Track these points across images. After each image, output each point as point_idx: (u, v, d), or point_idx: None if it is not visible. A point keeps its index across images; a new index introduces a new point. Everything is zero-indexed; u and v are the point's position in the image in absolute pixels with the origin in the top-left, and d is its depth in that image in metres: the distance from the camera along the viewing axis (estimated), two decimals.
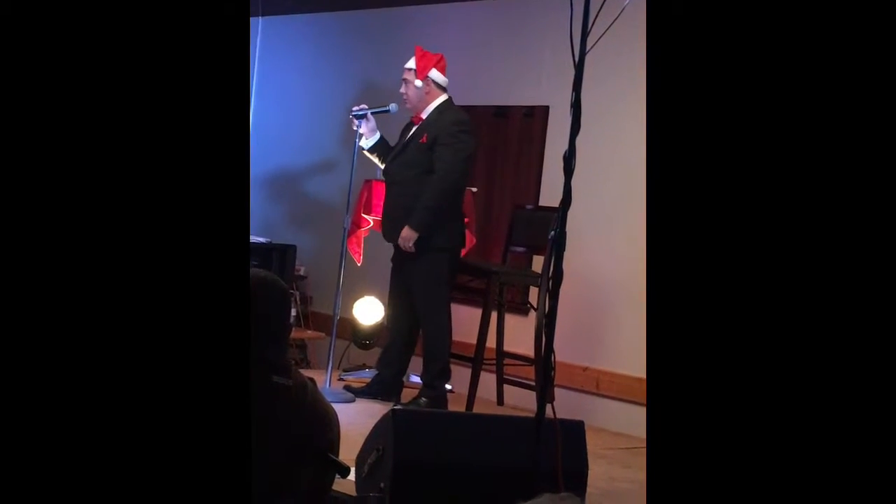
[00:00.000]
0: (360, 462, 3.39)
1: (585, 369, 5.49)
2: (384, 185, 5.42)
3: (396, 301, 5.16)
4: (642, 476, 3.67)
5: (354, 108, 5.19)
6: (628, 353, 5.24)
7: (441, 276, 4.98)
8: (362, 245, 5.54)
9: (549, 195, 5.59)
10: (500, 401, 5.47)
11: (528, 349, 5.11)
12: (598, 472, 3.95)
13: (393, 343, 5.18)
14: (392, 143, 5.22)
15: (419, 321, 5.03)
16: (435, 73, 5.05)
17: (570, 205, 2.99)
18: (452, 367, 5.07)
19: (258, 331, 2.37)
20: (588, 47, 2.96)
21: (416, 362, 5.19)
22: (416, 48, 5.13)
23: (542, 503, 1.53)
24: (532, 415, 3.09)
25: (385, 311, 5.28)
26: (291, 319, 2.82)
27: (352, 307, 6.08)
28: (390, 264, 5.23)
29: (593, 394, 5.46)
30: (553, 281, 2.96)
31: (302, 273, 6.79)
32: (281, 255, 6.20)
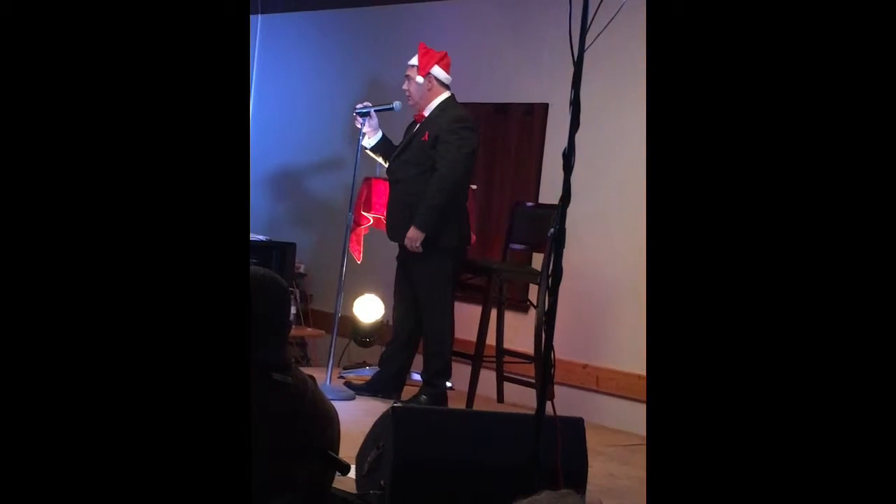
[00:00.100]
0: (360, 459, 3.40)
1: (585, 366, 5.49)
2: (384, 182, 5.42)
3: (401, 299, 5.16)
4: (642, 473, 3.67)
5: (358, 106, 5.18)
6: (628, 350, 5.24)
7: (445, 274, 4.98)
8: (362, 243, 5.54)
9: (549, 192, 5.59)
10: (500, 398, 5.48)
11: (527, 346, 5.12)
12: (598, 469, 3.95)
13: (396, 340, 5.18)
14: (396, 142, 5.21)
15: (422, 319, 5.03)
16: (437, 70, 5.04)
17: (569, 202, 2.99)
18: (453, 364, 5.07)
19: (258, 329, 2.37)
20: (587, 44, 2.96)
21: (417, 360, 5.19)
22: (420, 45, 5.13)
23: (541, 500, 1.52)
24: (532, 412, 3.10)
25: (392, 309, 5.27)
26: (291, 317, 2.82)
27: (352, 305, 6.08)
28: (390, 262, 5.23)
29: (593, 391, 5.46)
30: (553, 278, 2.96)
31: (302, 271, 6.79)
32: (281, 253, 6.20)
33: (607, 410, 5.33)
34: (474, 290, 5.26)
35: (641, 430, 4.79)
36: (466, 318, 5.33)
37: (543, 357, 3.00)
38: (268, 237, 6.40)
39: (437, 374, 4.98)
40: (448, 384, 5.10)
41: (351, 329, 6.09)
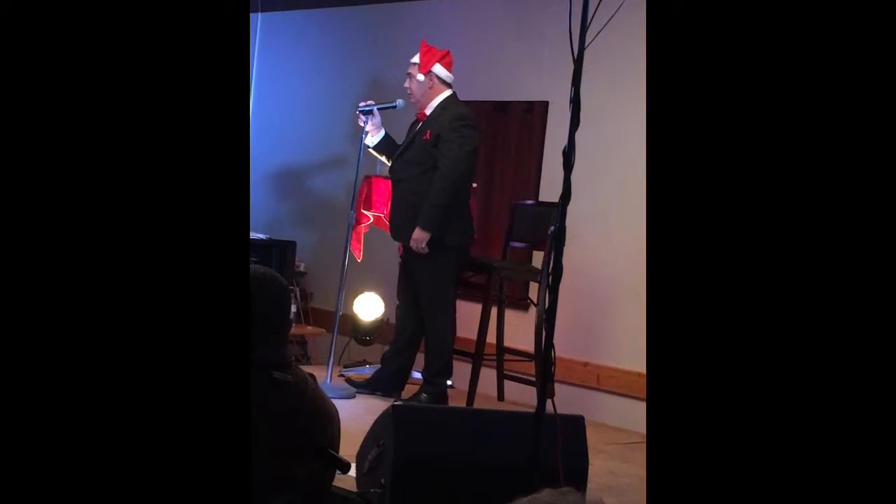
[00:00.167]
0: (360, 458, 3.40)
1: (586, 364, 5.49)
2: (384, 181, 5.42)
3: (403, 298, 5.16)
4: (643, 471, 3.67)
5: (361, 104, 5.18)
6: (629, 348, 5.24)
7: (448, 273, 4.97)
8: (362, 241, 5.54)
9: (549, 190, 5.59)
10: (501, 396, 5.48)
11: (528, 344, 5.12)
12: (599, 467, 3.95)
13: (398, 340, 5.18)
14: (399, 140, 5.21)
15: (423, 318, 5.03)
16: (438, 69, 5.02)
17: (569, 200, 2.99)
18: (453, 362, 5.07)
19: (258, 327, 2.37)
20: (587, 42, 2.95)
21: (419, 359, 5.19)
22: (422, 43, 5.12)
23: (542, 498, 1.52)
24: (532, 410, 3.09)
25: (396, 308, 5.27)
26: (291, 315, 2.82)
27: (352, 303, 6.08)
28: (390, 260, 5.24)
29: (593, 389, 5.46)
30: (553, 276, 2.96)
31: (302, 269, 6.79)
32: (281, 251, 6.20)
33: (608, 408, 5.33)
34: (475, 288, 5.26)
35: (642, 427, 4.79)
36: (467, 316, 5.33)
37: (544, 355, 3.00)
38: (268, 236, 6.41)
39: (437, 373, 4.98)
40: (448, 382, 5.10)
41: (351, 327, 6.09)
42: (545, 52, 5.78)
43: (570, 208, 2.99)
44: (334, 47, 7.05)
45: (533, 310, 5.24)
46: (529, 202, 5.58)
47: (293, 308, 4.90)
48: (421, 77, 5.02)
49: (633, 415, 5.12)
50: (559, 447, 3.02)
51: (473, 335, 5.09)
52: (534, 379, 5.07)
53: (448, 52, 5.09)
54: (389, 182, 5.29)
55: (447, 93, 5.06)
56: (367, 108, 5.13)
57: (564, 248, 2.97)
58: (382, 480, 3.24)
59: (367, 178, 5.57)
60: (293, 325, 3.53)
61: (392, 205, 5.17)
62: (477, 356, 5.05)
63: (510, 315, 5.46)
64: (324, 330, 6.23)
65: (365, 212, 5.51)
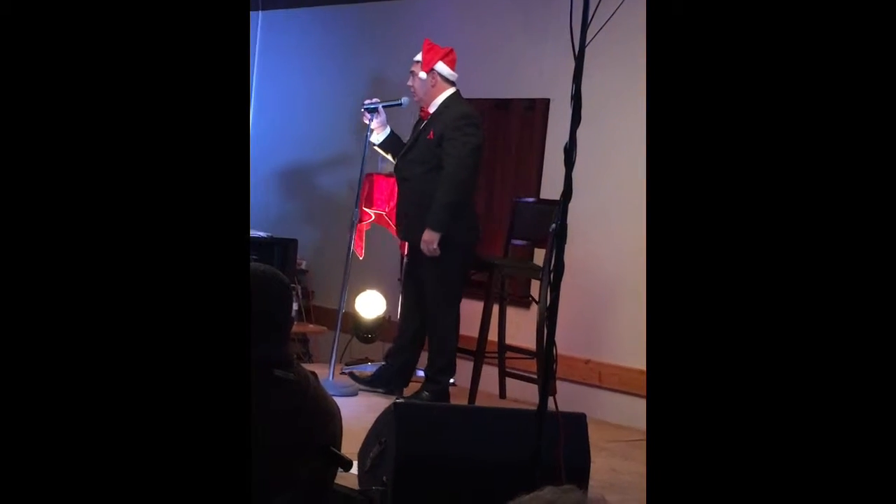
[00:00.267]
0: (362, 455, 3.40)
1: (587, 362, 5.49)
2: (385, 178, 5.42)
3: (407, 296, 5.16)
4: (644, 468, 3.67)
5: (366, 102, 5.18)
6: (630, 346, 5.24)
7: (454, 272, 4.95)
8: (364, 239, 5.55)
9: (551, 188, 5.59)
10: (503, 394, 5.48)
11: (529, 342, 5.12)
12: (600, 465, 3.95)
13: (401, 337, 5.17)
14: (404, 138, 5.20)
15: (427, 316, 5.02)
16: (441, 67, 5.00)
17: (571, 197, 2.99)
18: (456, 360, 5.07)
19: (259, 325, 2.37)
20: (588, 39, 2.95)
21: (422, 357, 5.19)
22: (425, 41, 5.11)
23: (544, 496, 1.52)
24: (534, 408, 3.10)
25: (400, 306, 5.27)
26: (293, 313, 2.82)
27: (354, 301, 6.08)
28: (392, 258, 5.24)
29: (595, 386, 5.46)
30: (554, 274, 2.96)
31: (303, 267, 6.79)
32: (282, 249, 6.20)
33: (609, 406, 5.33)
34: (476, 286, 5.26)
35: (644, 425, 4.77)
36: (468, 313, 5.33)
37: (545, 353, 3.01)
38: (269, 233, 6.41)
39: (440, 370, 4.98)
40: (451, 380, 5.10)
41: (352, 325, 6.10)
42: (546, 49, 5.78)
43: (572, 205, 2.99)
44: (336, 45, 7.04)
45: (534, 307, 5.24)
46: (531, 200, 5.58)
47: (294, 306, 4.90)
48: (423, 75, 5.01)
49: (634, 412, 5.11)
50: (561, 444, 3.03)
51: (475, 333, 5.09)
52: (535, 376, 5.06)
53: (451, 50, 5.07)
54: (390, 180, 5.28)
55: (450, 91, 5.04)
56: (372, 106, 5.12)
57: (566, 246, 2.97)
58: (384, 478, 3.25)
59: (369, 175, 5.56)
60: (294, 322, 3.53)
61: (398, 204, 5.16)
62: (479, 354, 5.05)
63: (512, 313, 5.46)
64: (325, 328, 6.24)
65: (366, 209, 5.51)
